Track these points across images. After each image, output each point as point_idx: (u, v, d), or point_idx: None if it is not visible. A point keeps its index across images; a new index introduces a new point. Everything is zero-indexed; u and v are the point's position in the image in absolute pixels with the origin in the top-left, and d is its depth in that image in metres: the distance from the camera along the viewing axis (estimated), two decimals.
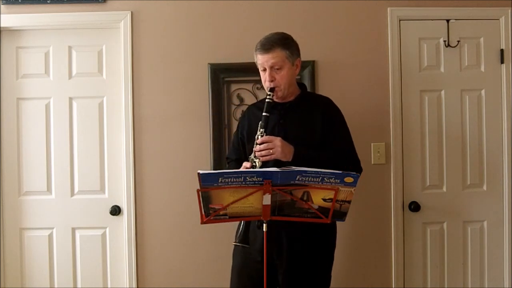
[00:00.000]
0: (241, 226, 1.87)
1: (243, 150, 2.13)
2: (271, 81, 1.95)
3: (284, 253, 1.95)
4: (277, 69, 1.95)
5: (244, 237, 1.84)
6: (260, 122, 1.91)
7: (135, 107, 2.63)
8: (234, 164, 2.13)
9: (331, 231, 2.05)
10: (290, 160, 1.87)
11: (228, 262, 2.14)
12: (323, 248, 2.04)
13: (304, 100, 2.06)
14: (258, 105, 2.16)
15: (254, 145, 1.89)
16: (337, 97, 2.61)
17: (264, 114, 1.90)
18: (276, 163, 1.85)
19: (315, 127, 2.00)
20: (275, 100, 1.99)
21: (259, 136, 1.89)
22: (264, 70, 1.98)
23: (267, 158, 1.86)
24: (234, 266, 2.10)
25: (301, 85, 2.12)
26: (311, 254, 1.98)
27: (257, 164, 1.87)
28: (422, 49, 2.66)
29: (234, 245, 1.87)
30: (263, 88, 2.59)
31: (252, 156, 1.90)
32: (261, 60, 1.96)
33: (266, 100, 1.93)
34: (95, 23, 2.63)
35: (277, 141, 1.87)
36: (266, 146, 1.86)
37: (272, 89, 1.95)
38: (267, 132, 1.92)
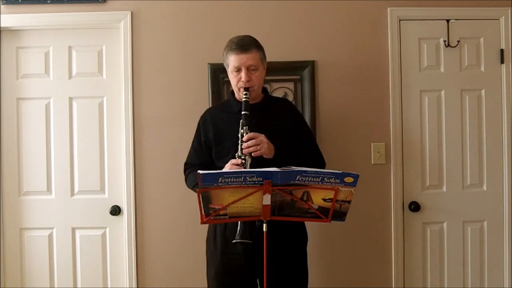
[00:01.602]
0: (239, 225, 1.85)
1: (207, 154, 2.13)
2: (248, 81, 1.97)
3: (268, 253, 1.95)
4: (253, 69, 1.98)
5: (244, 234, 1.82)
6: (241, 121, 1.92)
7: (135, 107, 2.63)
8: (198, 169, 2.11)
9: (303, 226, 2.14)
10: (271, 157, 1.91)
11: None
12: (301, 244, 2.12)
13: (270, 102, 2.13)
14: (221, 108, 2.19)
15: (240, 143, 1.90)
16: (337, 97, 2.64)
17: (244, 112, 1.92)
18: (259, 161, 1.87)
19: (284, 126, 2.06)
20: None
21: (244, 134, 1.90)
22: (238, 70, 1.99)
23: (257, 153, 1.88)
24: (212, 274, 2.08)
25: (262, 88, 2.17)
26: (291, 251, 2.03)
27: (246, 160, 1.88)
28: (422, 49, 2.66)
29: (235, 242, 1.83)
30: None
31: (238, 153, 1.90)
32: (238, 60, 1.97)
33: (243, 99, 1.95)
34: (95, 23, 2.63)
35: (263, 137, 1.91)
36: (254, 142, 1.88)
37: (247, 89, 1.97)
38: (241, 131, 1.95)
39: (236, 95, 2.08)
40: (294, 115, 2.16)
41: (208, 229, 2.16)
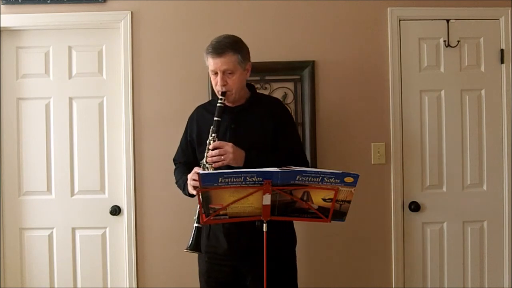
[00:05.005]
0: (192, 233, 1.86)
1: (192, 153, 2.13)
2: (224, 85, 1.94)
3: (252, 252, 1.93)
4: (229, 73, 1.94)
5: (196, 244, 1.83)
6: (212, 127, 1.90)
7: (135, 107, 2.63)
8: (182, 167, 2.14)
9: (291, 228, 2.10)
10: (241, 165, 1.88)
11: None
12: (289, 244, 2.08)
13: (254, 103, 2.06)
14: (207, 107, 2.14)
15: (206, 150, 1.88)
16: (337, 97, 2.64)
17: (215, 119, 1.90)
18: (230, 168, 1.86)
19: (266, 130, 2.01)
20: (226, 104, 1.97)
21: (211, 141, 1.88)
22: (216, 74, 1.96)
23: (219, 164, 1.86)
24: (201, 273, 2.11)
25: (250, 86, 2.11)
26: (277, 249, 1.92)
27: (209, 169, 1.86)
28: (422, 49, 2.66)
29: (186, 250, 1.85)
30: (263, 88, 2.62)
31: (203, 161, 1.89)
32: (213, 64, 1.94)
33: (218, 104, 1.92)
34: (95, 23, 2.63)
35: (229, 147, 1.88)
36: (218, 152, 1.86)
37: (223, 93, 1.94)
38: (219, 137, 1.91)
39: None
40: (278, 117, 2.05)
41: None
